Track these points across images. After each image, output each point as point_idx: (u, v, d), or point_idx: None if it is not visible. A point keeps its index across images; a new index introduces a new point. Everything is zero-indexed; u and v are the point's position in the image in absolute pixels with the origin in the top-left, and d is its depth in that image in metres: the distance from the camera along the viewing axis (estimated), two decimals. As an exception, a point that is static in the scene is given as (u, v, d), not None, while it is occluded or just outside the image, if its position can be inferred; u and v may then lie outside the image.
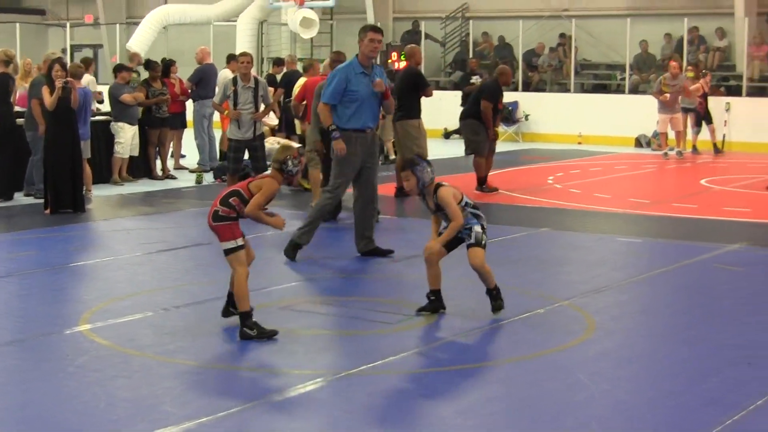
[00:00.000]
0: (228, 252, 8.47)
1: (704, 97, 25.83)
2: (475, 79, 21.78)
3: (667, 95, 24.82)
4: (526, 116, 29.94)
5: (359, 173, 12.15)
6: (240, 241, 8.44)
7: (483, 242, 8.95)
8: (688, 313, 9.70)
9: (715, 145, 25.89)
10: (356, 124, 11.86)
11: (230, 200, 8.44)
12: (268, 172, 8.81)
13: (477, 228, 8.95)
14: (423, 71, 17.70)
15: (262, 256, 12.57)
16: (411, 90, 16.63)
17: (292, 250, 12.03)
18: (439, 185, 9.01)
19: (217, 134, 21.28)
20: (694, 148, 25.85)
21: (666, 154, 25.20)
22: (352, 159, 11.92)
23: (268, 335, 8.43)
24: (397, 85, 16.88)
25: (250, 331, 8.43)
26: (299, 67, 23.31)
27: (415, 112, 16.71)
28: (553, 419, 6.82)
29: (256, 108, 15.74)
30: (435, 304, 9.19)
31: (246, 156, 16.31)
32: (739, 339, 8.78)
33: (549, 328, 8.91)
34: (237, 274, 8.45)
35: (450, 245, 9.16)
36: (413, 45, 18.72)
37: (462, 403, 7.13)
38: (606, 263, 12.22)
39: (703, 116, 25.94)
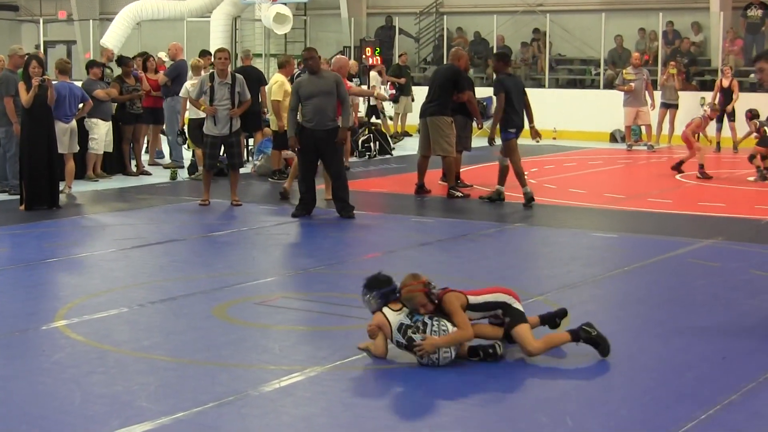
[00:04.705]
0: None
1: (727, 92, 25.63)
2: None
3: (632, 85, 25.17)
4: (501, 111, 29.91)
5: None
6: None
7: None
8: (663, 308, 9.73)
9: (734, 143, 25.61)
10: None
11: None
12: None
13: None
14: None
15: (238, 251, 12.59)
16: (449, 87, 16.79)
17: None
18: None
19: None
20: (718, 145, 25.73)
21: (631, 145, 25.62)
22: None
23: None
24: (434, 80, 17.00)
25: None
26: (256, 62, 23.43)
27: (448, 109, 16.78)
28: (527, 414, 6.84)
29: (233, 104, 15.66)
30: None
31: (222, 152, 16.32)
32: (713, 334, 8.82)
33: (524, 323, 8.93)
34: None
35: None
36: (459, 49, 18.57)
37: (436, 397, 7.14)
38: (580, 258, 12.25)
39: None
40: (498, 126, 16.11)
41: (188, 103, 18.24)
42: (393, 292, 7.96)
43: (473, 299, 8.01)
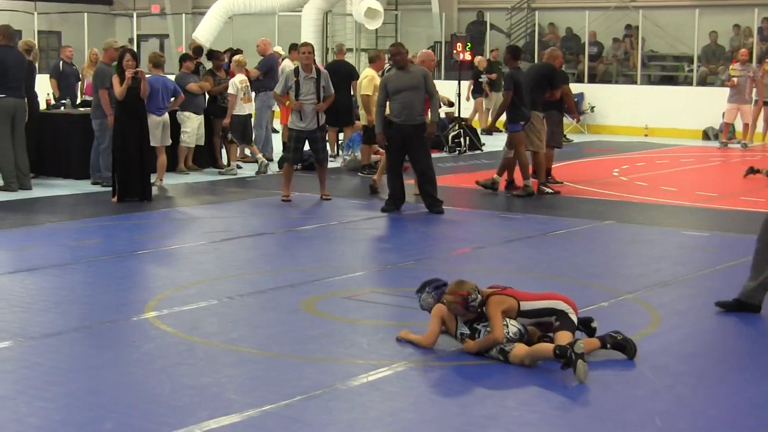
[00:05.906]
0: None
1: None
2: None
3: (735, 80, 24.76)
4: (592, 108, 29.73)
5: None
6: None
7: None
8: (755, 308, 9.59)
9: None
10: None
11: None
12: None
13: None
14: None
15: (327, 245, 12.63)
16: (543, 84, 16.93)
17: None
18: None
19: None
20: None
21: (725, 143, 25.25)
22: None
23: None
24: (528, 75, 17.10)
25: None
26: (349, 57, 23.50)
27: (539, 105, 16.83)
28: (616, 413, 6.78)
29: (318, 99, 15.69)
30: None
31: (306, 146, 16.29)
32: (806, 335, 8.70)
33: (613, 322, 8.80)
34: None
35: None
36: (556, 49, 18.63)
37: (524, 395, 7.11)
38: (671, 257, 12.12)
39: None
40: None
41: (235, 99, 19.08)
42: (445, 286, 8.16)
43: (526, 305, 8.00)
